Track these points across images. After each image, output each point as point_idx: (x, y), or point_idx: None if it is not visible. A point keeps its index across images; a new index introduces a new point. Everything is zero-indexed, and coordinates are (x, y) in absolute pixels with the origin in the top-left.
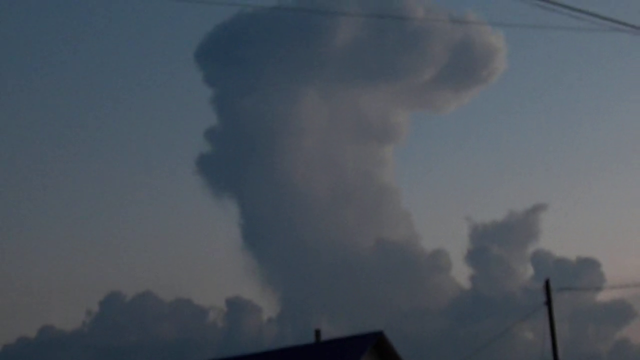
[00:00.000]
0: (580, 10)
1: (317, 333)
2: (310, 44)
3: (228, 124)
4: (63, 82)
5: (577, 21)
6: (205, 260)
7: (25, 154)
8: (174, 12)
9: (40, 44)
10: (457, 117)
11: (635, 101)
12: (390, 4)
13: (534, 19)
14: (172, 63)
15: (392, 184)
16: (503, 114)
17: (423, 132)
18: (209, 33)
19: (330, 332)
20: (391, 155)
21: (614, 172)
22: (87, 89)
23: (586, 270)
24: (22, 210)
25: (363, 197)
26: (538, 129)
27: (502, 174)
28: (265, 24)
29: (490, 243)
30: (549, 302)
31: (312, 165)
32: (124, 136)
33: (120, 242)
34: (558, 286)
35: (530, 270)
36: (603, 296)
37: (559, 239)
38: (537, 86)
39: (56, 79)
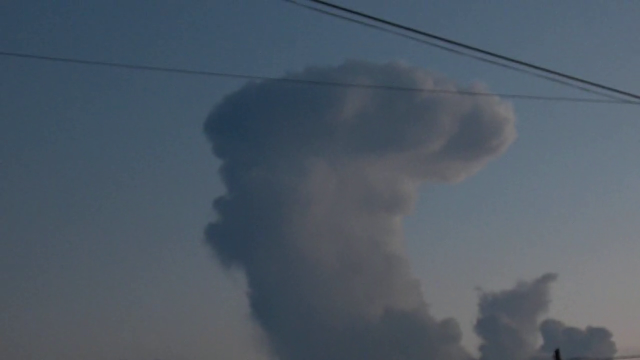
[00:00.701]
0: (588, 82)
1: None
2: (318, 115)
3: (237, 194)
4: (74, 153)
5: (586, 93)
6: (213, 329)
7: (35, 221)
8: (183, 84)
9: (52, 115)
10: (466, 186)
11: None
12: (398, 75)
13: (542, 90)
14: (182, 134)
15: (401, 253)
16: (512, 184)
17: (432, 202)
18: (218, 104)
19: None
20: (400, 225)
21: (624, 242)
22: (97, 159)
23: (597, 340)
24: (29, 281)
25: (372, 266)
26: (548, 199)
27: (512, 244)
28: (274, 95)
29: (500, 312)
30: None
31: (321, 234)
32: (133, 205)
33: (128, 311)
34: (568, 356)
35: (540, 340)
36: None
37: (569, 308)
38: (547, 156)
39: (67, 149)
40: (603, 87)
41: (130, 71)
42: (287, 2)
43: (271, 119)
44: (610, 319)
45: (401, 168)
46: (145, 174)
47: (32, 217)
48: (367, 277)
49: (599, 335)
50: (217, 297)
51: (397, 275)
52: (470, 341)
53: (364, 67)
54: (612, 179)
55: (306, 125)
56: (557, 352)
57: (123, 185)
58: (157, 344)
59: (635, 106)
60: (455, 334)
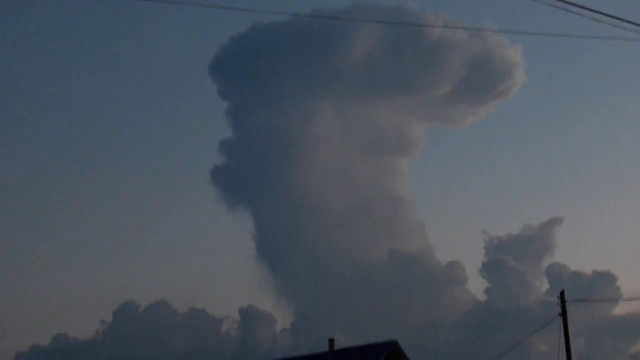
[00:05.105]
0: (601, 13)
1: (331, 342)
2: (325, 56)
3: (242, 137)
4: (79, 95)
5: (597, 29)
6: (219, 271)
7: (43, 162)
8: (188, 25)
9: (53, 57)
10: (474, 130)
11: None
12: (406, 17)
13: (552, 27)
14: (187, 76)
15: (407, 196)
16: (519, 128)
17: (439, 145)
18: (224, 46)
19: (343, 343)
20: (406, 168)
21: (631, 186)
22: (102, 101)
23: (602, 284)
24: (38, 220)
25: (377, 209)
26: (554, 143)
27: (518, 188)
28: (281, 36)
29: (506, 256)
30: (563, 313)
31: (327, 177)
32: (140, 148)
33: (135, 252)
34: (573, 299)
35: (545, 284)
36: (619, 310)
37: (575, 252)
38: (554, 100)
39: (71, 93)
40: (617, 18)
41: (139, 9)
42: None
43: (277, 60)
44: (616, 263)
45: (408, 111)
46: (151, 116)
47: (39, 160)
48: (373, 219)
49: (604, 279)
50: (223, 239)
51: (403, 218)
52: (476, 284)
53: (371, 9)
54: (621, 123)
55: (312, 68)
56: (562, 294)
57: (129, 127)
58: (163, 285)
59: None
60: (461, 277)
